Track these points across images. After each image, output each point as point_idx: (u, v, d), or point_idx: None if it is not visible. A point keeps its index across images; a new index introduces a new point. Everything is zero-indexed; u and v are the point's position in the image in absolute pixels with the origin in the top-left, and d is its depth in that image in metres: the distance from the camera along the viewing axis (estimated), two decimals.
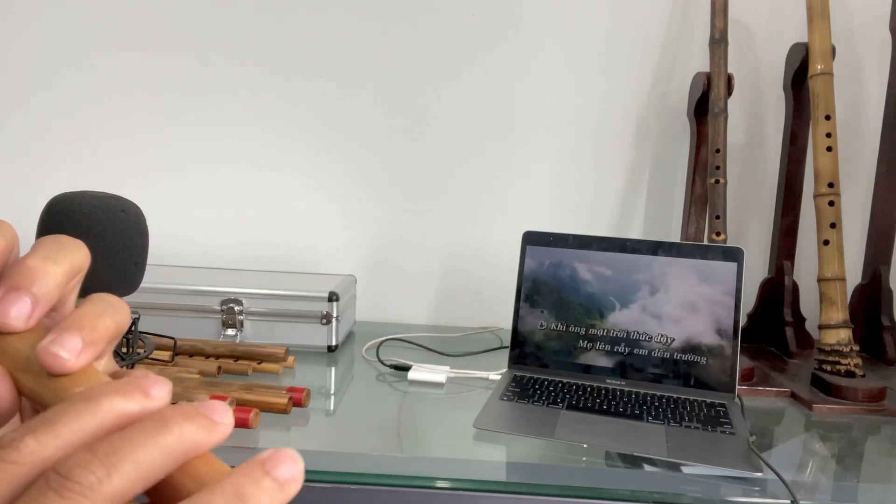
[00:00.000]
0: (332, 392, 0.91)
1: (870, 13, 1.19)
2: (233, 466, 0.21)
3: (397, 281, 1.28)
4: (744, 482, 0.67)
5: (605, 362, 0.91)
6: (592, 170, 1.25)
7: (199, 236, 1.26)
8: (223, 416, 0.22)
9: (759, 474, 0.67)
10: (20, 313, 0.23)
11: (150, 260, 0.61)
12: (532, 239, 0.96)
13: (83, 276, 0.26)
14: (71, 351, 0.23)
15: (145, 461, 0.20)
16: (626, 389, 0.88)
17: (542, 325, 0.94)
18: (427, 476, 0.67)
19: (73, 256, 0.25)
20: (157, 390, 0.22)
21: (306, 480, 0.22)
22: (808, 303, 1.13)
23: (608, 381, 0.91)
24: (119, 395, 0.21)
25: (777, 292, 1.14)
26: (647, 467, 0.70)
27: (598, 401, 0.83)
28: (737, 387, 0.86)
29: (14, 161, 1.25)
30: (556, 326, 0.94)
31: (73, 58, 1.22)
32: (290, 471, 0.21)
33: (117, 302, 0.25)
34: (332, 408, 0.85)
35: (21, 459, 0.20)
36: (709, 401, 0.85)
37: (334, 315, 1.03)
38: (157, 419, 0.21)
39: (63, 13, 1.21)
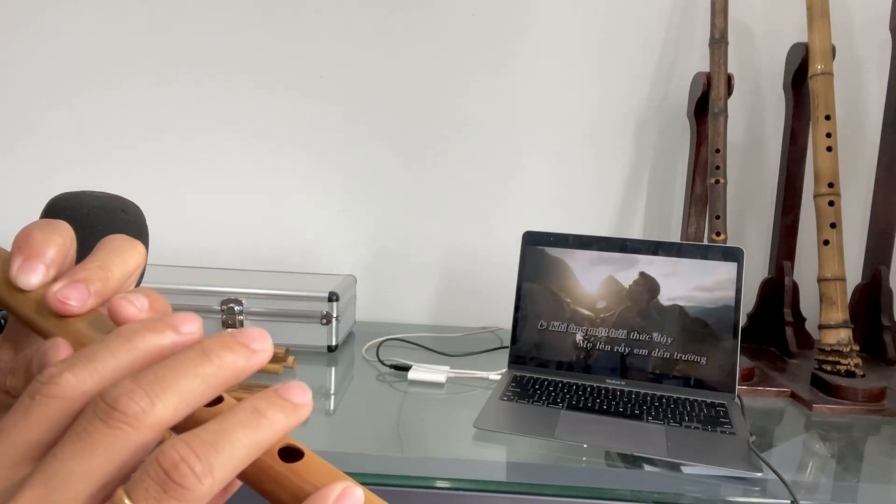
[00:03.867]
0: (332, 392, 0.91)
1: (870, 13, 1.19)
2: None
3: (397, 281, 1.28)
4: (744, 482, 0.67)
5: (605, 362, 0.91)
6: (592, 170, 1.25)
7: (199, 236, 1.26)
8: (261, 343, 0.23)
9: (759, 474, 0.67)
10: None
11: (150, 260, 0.60)
12: (532, 239, 0.96)
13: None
14: (78, 299, 0.25)
15: (187, 390, 0.21)
16: (626, 389, 0.88)
17: (542, 325, 0.94)
18: (427, 476, 0.67)
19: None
20: (186, 327, 0.24)
21: None
22: (808, 303, 1.13)
23: (608, 381, 0.91)
24: (151, 331, 0.23)
25: (777, 292, 1.14)
26: (647, 467, 0.70)
27: (597, 401, 0.83)
28: (737, 387, 0.86)
29: (14, 161, 1.25)
30: (556, 326, 0.94)
31: (73, 60, 1.22)
32: (301, 396, 0.23)
33: (128, 246, 0.27)
34: (332, 408, 0.85)
35: (61, 393, 0.21)
36: (709, 401, 0.85)
37: (334, 315, 1.03)
38: (199, 349, 0.22)
39: (64, 20, 1.21)
